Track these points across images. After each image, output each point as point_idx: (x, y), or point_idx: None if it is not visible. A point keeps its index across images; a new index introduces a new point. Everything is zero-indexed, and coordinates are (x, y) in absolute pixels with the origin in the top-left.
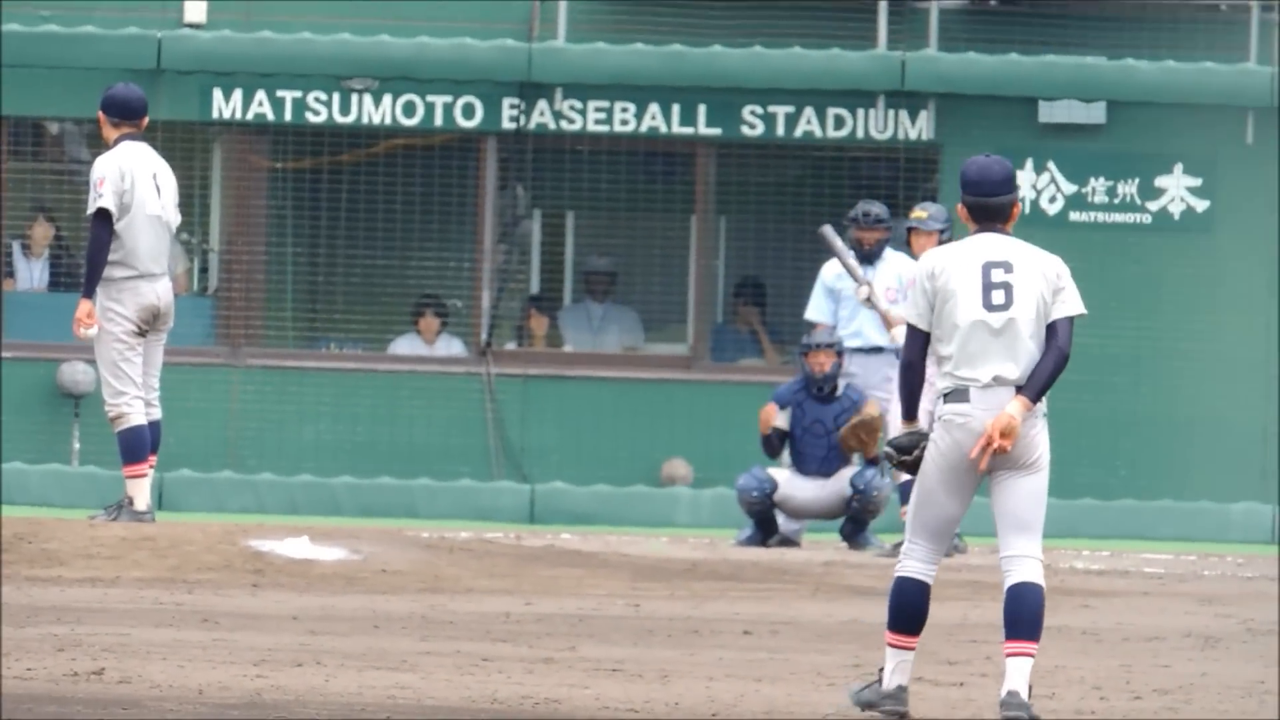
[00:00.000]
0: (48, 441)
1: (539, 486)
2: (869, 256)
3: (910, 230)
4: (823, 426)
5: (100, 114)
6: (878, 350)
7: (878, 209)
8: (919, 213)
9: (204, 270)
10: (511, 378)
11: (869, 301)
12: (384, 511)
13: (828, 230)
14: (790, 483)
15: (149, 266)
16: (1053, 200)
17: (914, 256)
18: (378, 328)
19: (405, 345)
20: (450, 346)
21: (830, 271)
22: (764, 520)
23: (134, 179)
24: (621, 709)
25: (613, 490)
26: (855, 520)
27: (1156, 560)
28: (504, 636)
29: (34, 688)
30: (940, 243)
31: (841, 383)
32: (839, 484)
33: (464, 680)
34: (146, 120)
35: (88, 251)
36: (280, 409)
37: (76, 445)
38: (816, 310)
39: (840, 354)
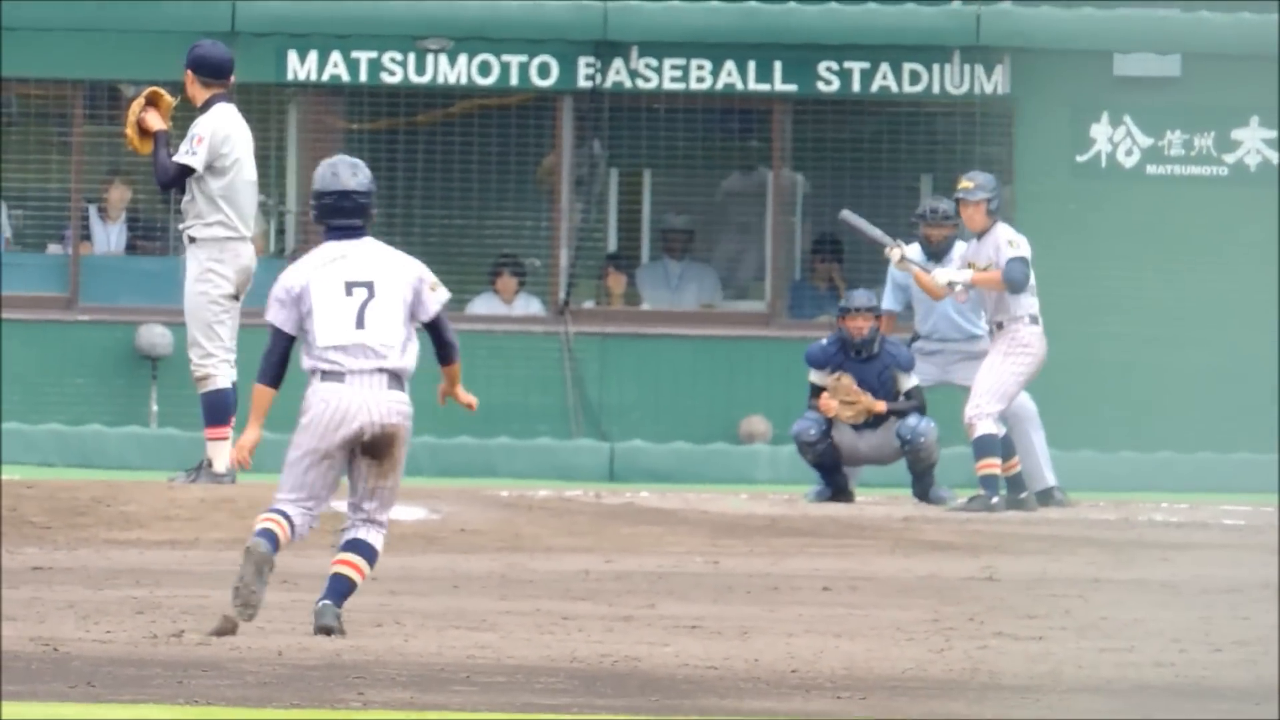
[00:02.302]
0: (126, 404)
1: (618, 445)
2: (937, 253)
3: (959, 201)
4: (866, 386)
5: (189, 73)
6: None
7: (945, 205)
8: (965, 183)
9: (280, 232)
10: (590, 336)
11: (903, 262)
12: (463, 471)
13: (846, 214)
14: (843, 431)
15: (246, 229)
16: (1129, 154)
17: (964, 227)
18: (455, 287)
19: (483, 305)
20: (529, 306)
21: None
22: (829, 469)
23: (234, 143)
24: (701, 666)
25: (692, 448)
26: (914, 473)
27: (1235, 512)
28: (583, 595)
29: (113, 650)
30: (989, 212)
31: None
32: (887, 433)
33: (543, 639)
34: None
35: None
36: None
37: (155, 407)
38: (888, 303)
39: (878, 316)
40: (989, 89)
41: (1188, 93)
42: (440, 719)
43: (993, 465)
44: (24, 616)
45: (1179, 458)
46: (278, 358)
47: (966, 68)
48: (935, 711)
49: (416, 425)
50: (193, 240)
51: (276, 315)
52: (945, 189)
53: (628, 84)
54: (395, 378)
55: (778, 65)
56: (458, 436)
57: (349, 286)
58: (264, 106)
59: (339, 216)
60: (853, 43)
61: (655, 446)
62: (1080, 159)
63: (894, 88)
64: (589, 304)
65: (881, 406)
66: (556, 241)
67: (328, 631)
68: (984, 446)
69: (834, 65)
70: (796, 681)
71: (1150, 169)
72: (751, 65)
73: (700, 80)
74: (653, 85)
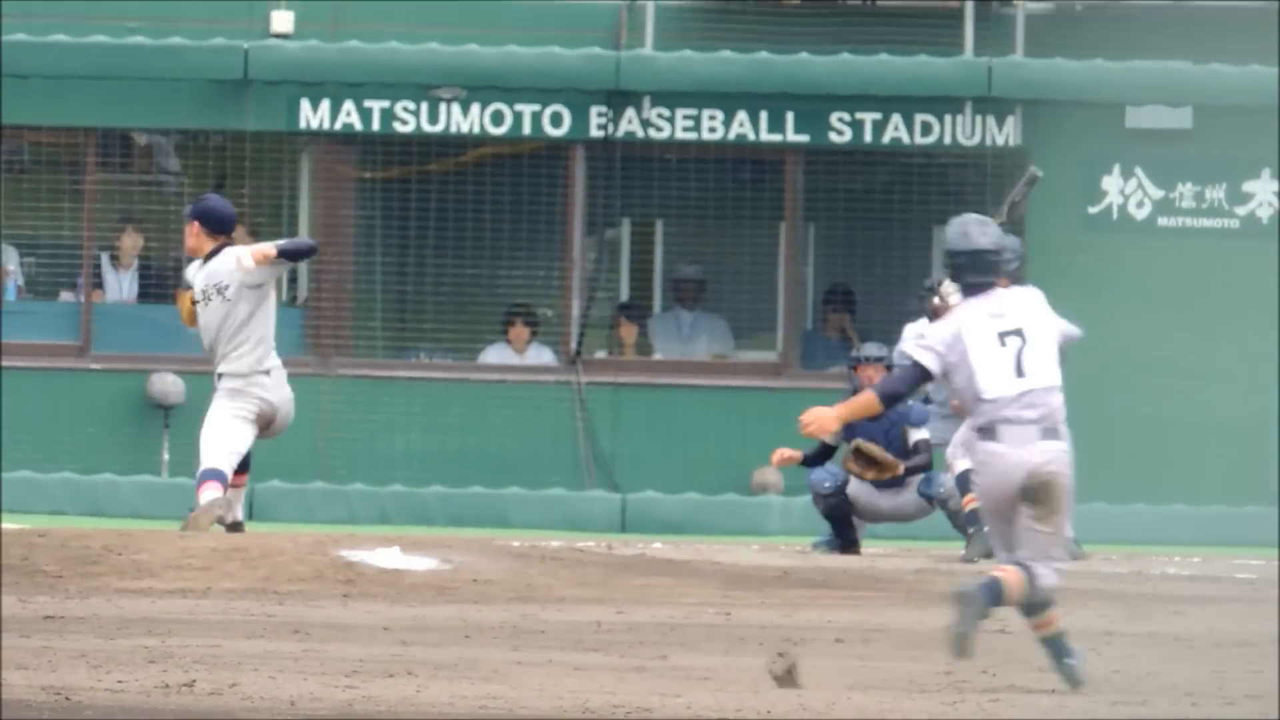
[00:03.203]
0: (138, 453)
1: (630, 495)
2: None
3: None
4: (872, 439)
5: (194, 224)
6: None
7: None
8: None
9: (293, 280)
10: (602, 386)
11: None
12: (475, 521)
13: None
14: (861, 486)
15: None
16: (1140, 205)
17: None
18: (468, 337)
19: (495, 354)
20: (540, 355)
21: (913, 332)
22: (841, 523)
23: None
24: (713, 717)
25: (704, 499)
26: (953, 523)
27: (1247, 566)
28: (595, 645)
29: (125, 700)
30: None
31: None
32: (908, 491)
33: (556, 689)
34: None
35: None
36: (370, 419)
37: (166, 456)
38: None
39: (889, 368)
40: (1000, 140)
41: (1199, 145)
42: None
43: (974, 499)
44: (36, 665)
45: (1191, 511)
46: (906, 387)
47: (978, 119)
48: None
49: (426, 474)
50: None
51: (925, 356)
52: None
53: (640, 133)
54: (1052, 425)
55: (790, 116)
56: (470, 486)
57: (1001, 337)
58: (276, 155)
59: (972, 274)
60: (865, 94)
61: (667, 497)
62: (1092, 210)
63: (906, 139)
64: (601, 354)
65: (900, 468)
66: (568, 291)
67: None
68: (964, 483)
69: (846, 116)
70: None
71: (1162, 221)
72: (764, 115)
73: (712, 130)
74: (665, 135)
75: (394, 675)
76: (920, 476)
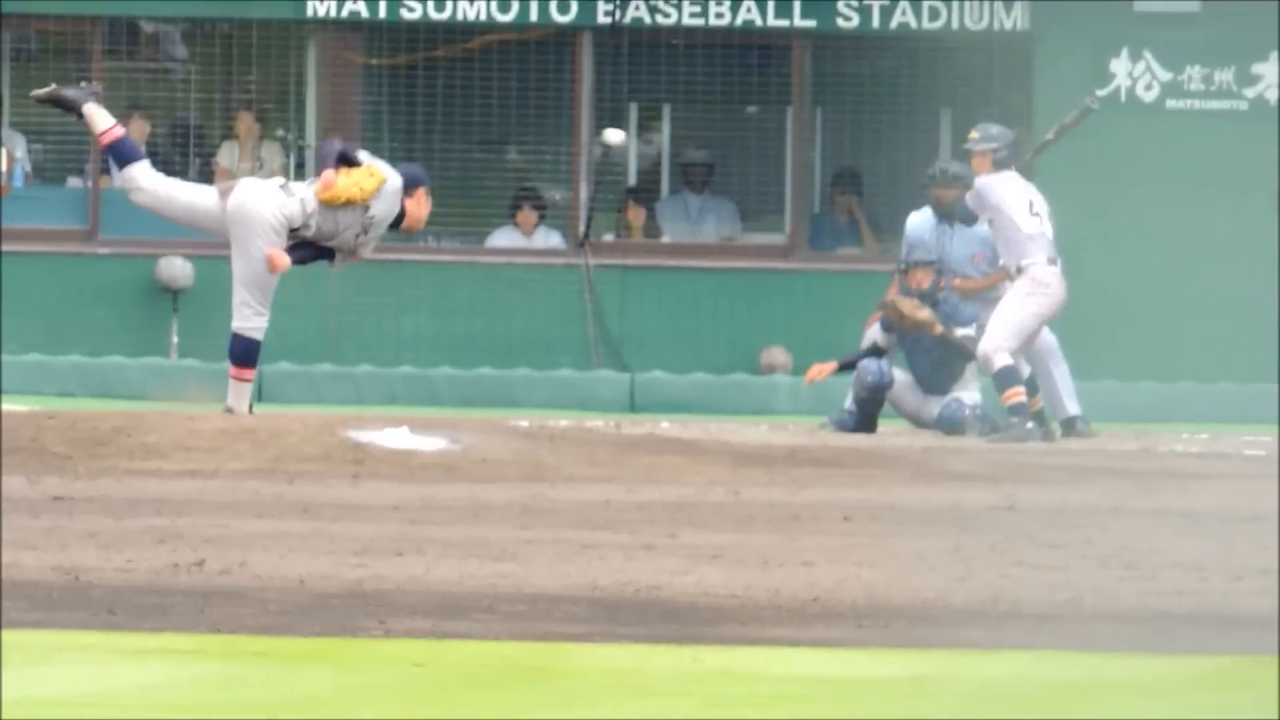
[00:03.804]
0: (146, 336)
1: (638, 375)
2: (947, 216)
3: (968, 152)
4: (924, 343)
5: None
6: None
7: (955, 166)
8: (972, 134)
9: (300, 165)
10: (610, 268)
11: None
12: (484, 402)
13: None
14: (904, 383)
15: None
16: (1149, 89)
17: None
18: (476, 221)
19: (503, 238)
20: (549, 239)
21: (915, 222)
22: (869, 411)
23: None
24: (722, 595)
25: (712, 379)
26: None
27: (1256, 442)
28: (604, 524)
29: (135, 579)
30: (995, 162)
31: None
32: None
33: (564, 568)
34: None
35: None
36: (379, 301)
37: (175, 339)
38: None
39: (940, 272)
40: (1008, 24)
41: (1208, 28)
42: (461, 647)
43: (1018, 393)
44: (45, 545)
45: (1199, 388)
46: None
47: (986, 4)
48: (956, 640)
49: (435, 356)
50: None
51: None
52: (964, 124)
53: (647, 19)
54: None
55: (796, 1)
56: (478, 367)
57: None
58: (283, 42)
59: None
60: None
61: (675, 377)
62: (1100, 94)
63: (913, 23)
64: (609, 237)
65: (936, 327)
66: (576, 175)
67: None
68: (1007, 377)
69: (853, 1)
70: (817, 610)
71: (1170, 103)
72: (770, 1)
73: (719, 16)
74: (672, 21)
75: (403, 554)
76: (949, 397)
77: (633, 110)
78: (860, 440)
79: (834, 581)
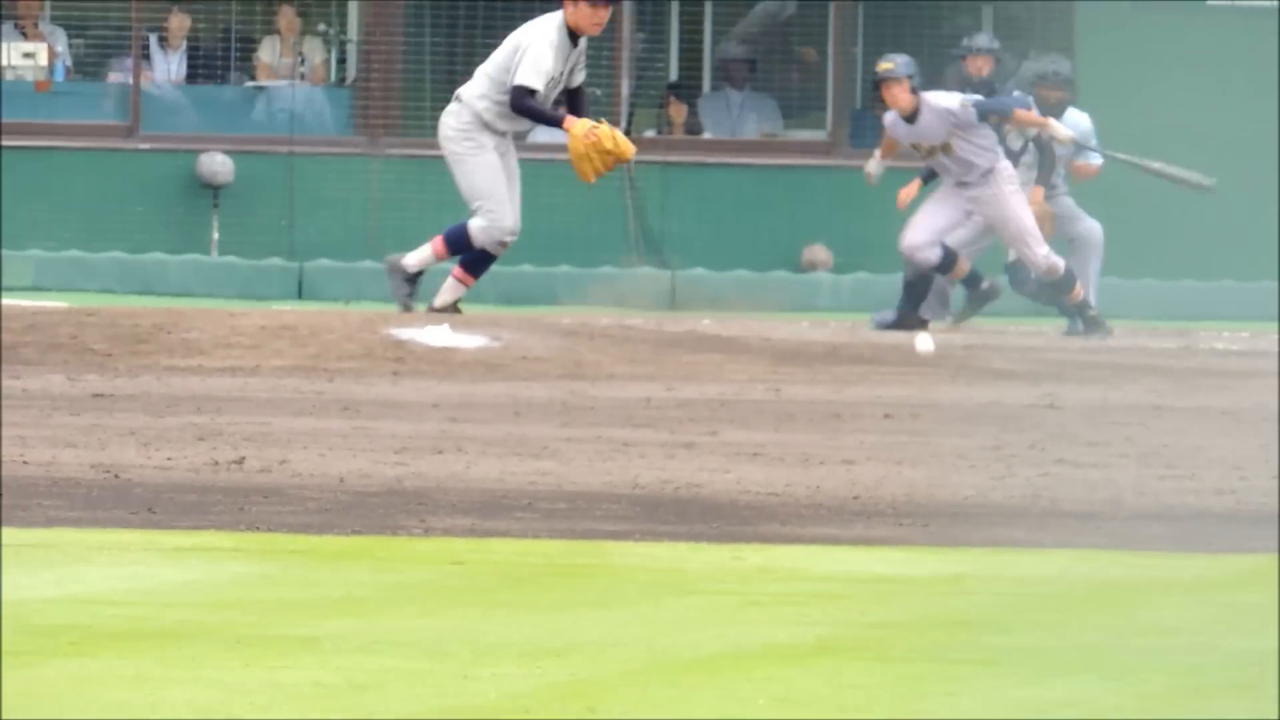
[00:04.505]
0: (187, 232)
1: (679, 273)
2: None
3: (878, 83)
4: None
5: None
6: None
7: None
8: (884, 65)
9: (341, 61)
10: (651, 165)
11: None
12: (525, 299)
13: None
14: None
15: None
16: None
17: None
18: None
19: (545, 133)
20: None
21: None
22: (917, 294)
23: None
24: (762, 493)
25: (753, 275)
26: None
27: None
28: (645, 422)
29: (174, 477)
30: (912, 90)
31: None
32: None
33: (605, 466)
34: None
35: None
36: (419, 198)
37: (215, 235)
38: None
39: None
40: None
41: None
42: (501, 545)
43: (1079, 291)
44: (85, 443)
45: (1239, 286)
46: None
47: None
48: (996, 538)
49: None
50: None
51: None
52: (1004, 18)
53: None
54: None
55: None
56: (519, 264)
57: None
58: None
59: None
60: None
61: (716, 274)
62: None
63: None
64: (650, 133)
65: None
66: (618, 71)
67: None
68: (1070, 278)
69: None
70: (858, 508)
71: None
72: None
73: None
74: None
75: (443, 452)
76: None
77: (674, 6)
78: (902, 338)
79: (874, 479)
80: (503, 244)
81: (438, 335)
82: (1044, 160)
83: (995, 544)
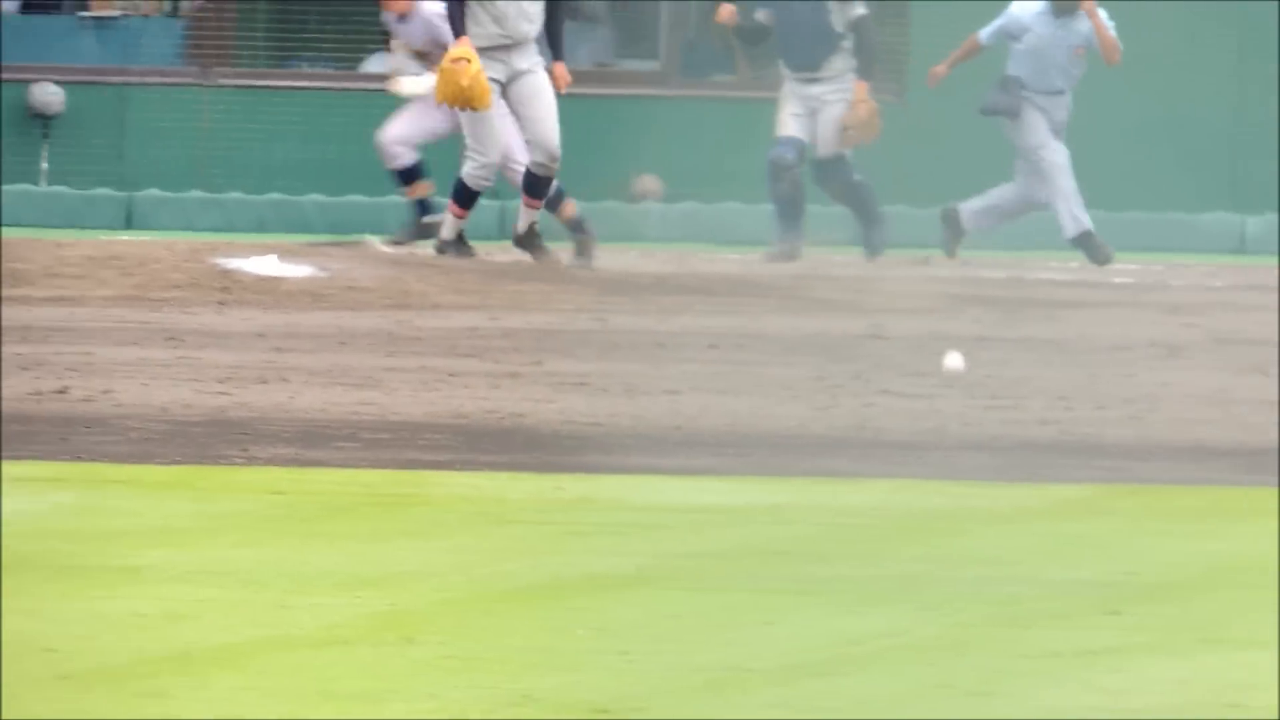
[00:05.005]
0: (17, 162)
1: (509, 202)
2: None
3: None
4: (800, 31)
5: None
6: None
7: None
8: None
9: None
10: None
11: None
12: (354, 229)
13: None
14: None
15: None
16: None
17: None
18: (349, 47)
19: (377, 64)
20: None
21: (1020, 9)
22: (792, 207)
23: None
24: (585, 422)
25: (584, 205)
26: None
27: (1125, 270)
28: (470, 352)
29: None
30: None
31: None
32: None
33: (429, 396)
34: None
35: None
36: (250, 128)
37: (45, 166)
38: (986, 33)
39: None
40: None
41: None
42: (323, 475)
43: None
44: None
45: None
46: None
47: None
48: (818, 468)
49: (304, 184)
50: None
51: None
52: None
53: None
54: None
55: None
56: (348, 195)
57: None
58: None
59: None
60: None
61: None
62: None
63: None
64: None
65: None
66: None
67: None
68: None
69: None
70: (680, 438)
71: None
72: None
73: None
74: None
75: (267, 382)
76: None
77: None
78: (730, 267)
79: (697, 409)
80: (487, 180)
81: (265, 265)
82: (862, 47)
83: (817, 474)
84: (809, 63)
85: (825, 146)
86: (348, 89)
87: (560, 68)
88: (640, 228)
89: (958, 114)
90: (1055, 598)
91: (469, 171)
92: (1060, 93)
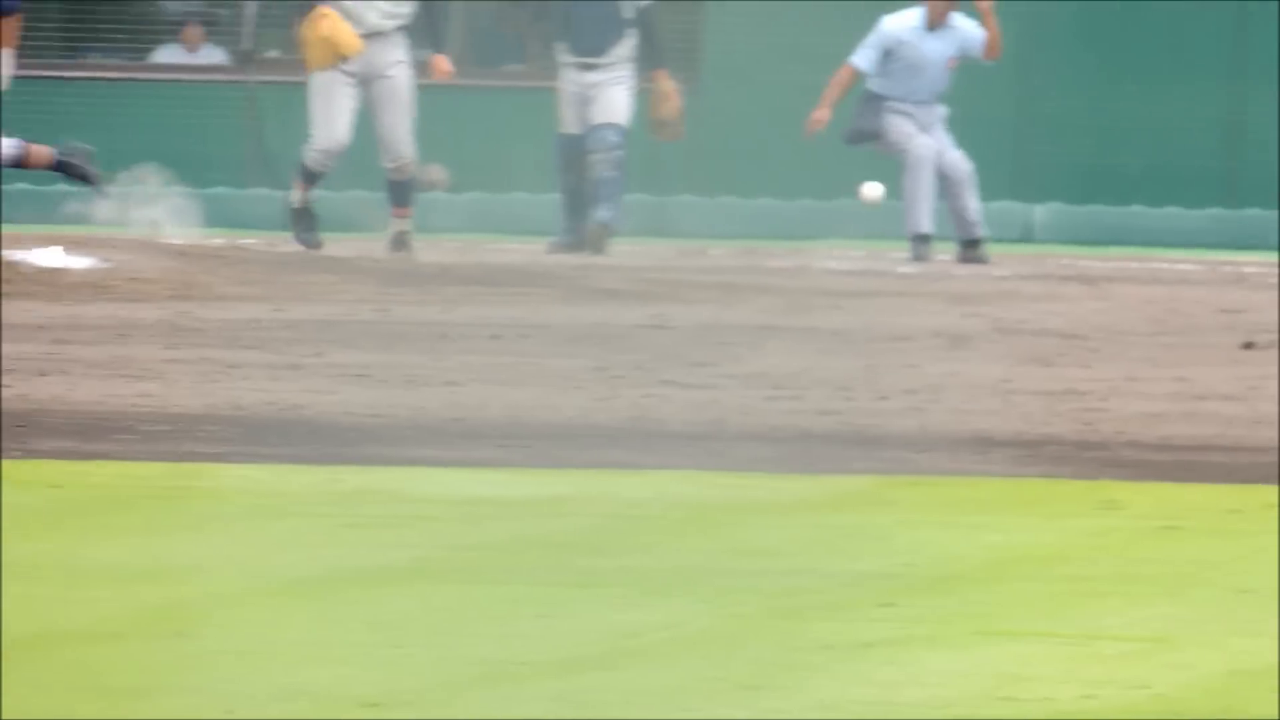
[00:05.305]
0: None
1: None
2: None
3: None
4: (590, 29)
5: None
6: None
7: None
8: None
9: None
10: (275, 85)
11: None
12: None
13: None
14: None
15: None
16: None
17: None
18: (141, 37)
19: (167, 55)
20: (213, 55)
21: (895, 26)
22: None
23: None
24: (365, 414)
25: (370, 195)
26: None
27: (907, 260)
28: (251, 343)
29: None
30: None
31: None
32: None
33: (208, 388)
34: None
35: None
36: (39, 119)
37: None
38: (864, 58)
39: None
40: None
41: None
42: (101, 468)
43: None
44: None
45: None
46: None
47: None
48: (599, 460)
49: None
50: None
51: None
52: None
53: None
54: None
55: None
56: (138, 185)
57: None
58: None
59: None
60: None
61: (334, 194)
62: None
63: None
64: (274, 53)
65: None
66: None
67: None
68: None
69: None
70: (460, 430)
71: None
72: None
73: None
74: None
75: (46, 374)
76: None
77: None
78: (515, 257)
79: (478, 401)
80: (322, 164)
81: (48, 256)
82: (648, 37)
83: (598, 465)
84: (594, 48)
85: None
86: (137, 79)
87: (439, 59)
88: (426, 218)
89: (751, 104)
90: (832, 590)
91: (309, 153)
92: (929, 102)
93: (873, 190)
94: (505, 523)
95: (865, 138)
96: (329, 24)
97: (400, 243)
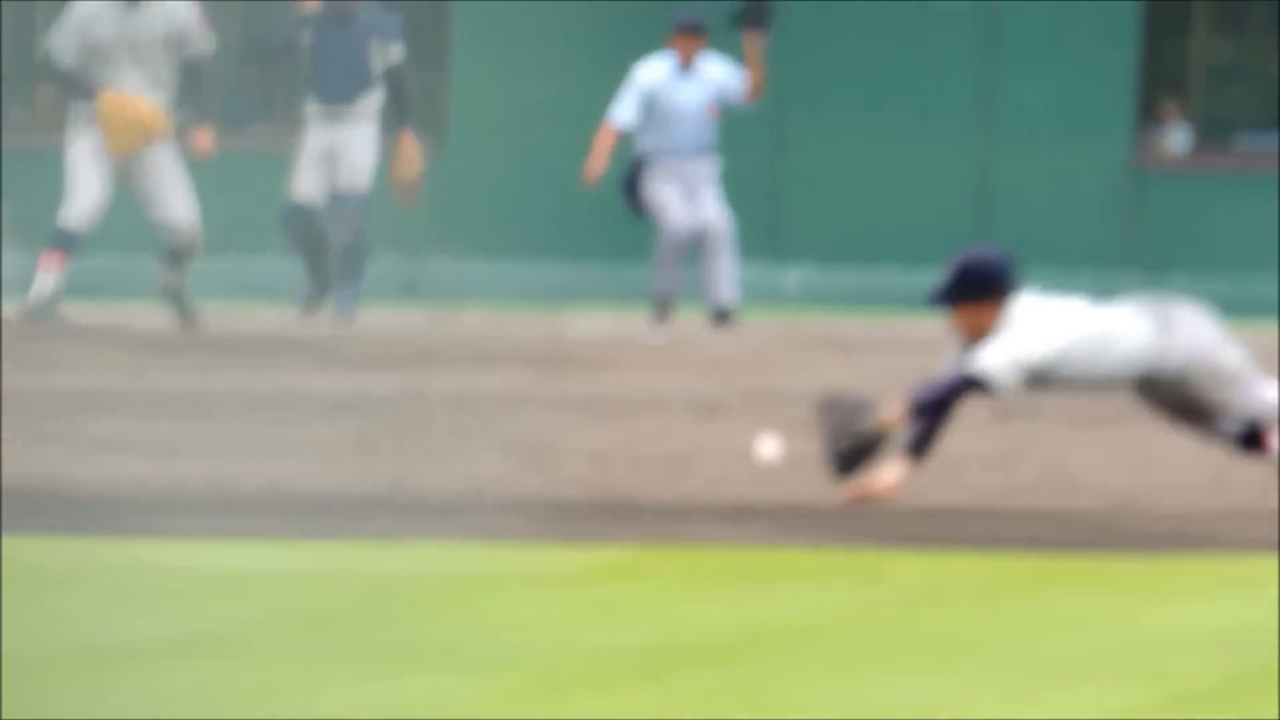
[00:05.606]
0: None
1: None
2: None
3: None
4: (337, 63)
5: None
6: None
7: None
8: None
9: None
10: (22, 153)
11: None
12: None
13: None
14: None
15: None
16: None
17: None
18: None
19: None
20: None
21: (649, 76)
22: (314, 253)
23: None
24: (124, 485)
25: (118, 262)
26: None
27: (659, 330)
28: (8, 411)
29: None
30: None
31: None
32: None
33: None
34: None
35: None
36: None
37: None
38: (623, 112)
39: None
40: None
41: None
42: None
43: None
44: None
45: (609, 269)
46: None
47: None
48: (358, 530)
49: None
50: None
51: None
52: None
53: None
54: None
55: None
56: None
57: None
58: None
59: None
60: None
61: (81, 264)
62: None
63: None
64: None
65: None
66: None
67: None
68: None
69: None
70: (218, 501)
71: None
72: None
73: None
74: None
75: None
76: None
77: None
78: (270, 325)
79: (236, 475)
80: (82, 230)
81: None
82: (399, 95)
83: (357, 536)
84: (341, 95)
85: (345, 187)
86: None
87: (201, 135)
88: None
89: (500, 163)
90: (598, 664)
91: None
92: (696, 155)
93: (768, 449)
94: (268, 597)
95: (634, 205)
96: (134, 107)
97: (176, 299)
